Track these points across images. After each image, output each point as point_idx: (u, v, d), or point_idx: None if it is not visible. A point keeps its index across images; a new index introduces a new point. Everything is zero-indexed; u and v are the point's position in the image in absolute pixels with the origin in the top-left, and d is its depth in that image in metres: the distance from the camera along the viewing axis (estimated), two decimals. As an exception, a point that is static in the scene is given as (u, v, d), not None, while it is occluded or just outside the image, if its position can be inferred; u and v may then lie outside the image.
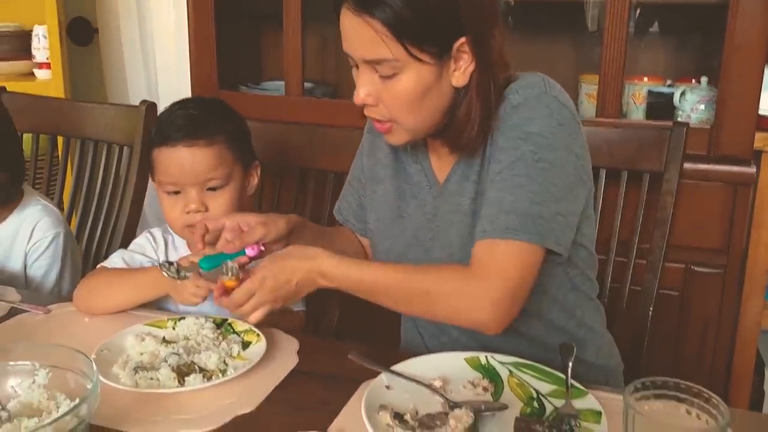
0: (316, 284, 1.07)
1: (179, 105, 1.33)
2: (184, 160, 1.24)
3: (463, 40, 1.03)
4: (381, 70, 1.04)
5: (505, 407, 0.96)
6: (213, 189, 1.26)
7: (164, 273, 1.09)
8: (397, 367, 1.04)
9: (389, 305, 1.07)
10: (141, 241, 1.39)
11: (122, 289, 1.25)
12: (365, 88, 1.06)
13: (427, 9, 1.00)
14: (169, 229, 1.37)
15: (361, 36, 1.02)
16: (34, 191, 1.59)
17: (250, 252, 1.11)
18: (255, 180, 1.36)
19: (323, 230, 1.33)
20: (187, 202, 1.25)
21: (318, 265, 1.05)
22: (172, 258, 1.34)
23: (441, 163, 1.18)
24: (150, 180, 1.38)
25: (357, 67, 1.08)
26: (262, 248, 1.13)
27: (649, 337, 1.43)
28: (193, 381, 1.01)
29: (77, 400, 0.83)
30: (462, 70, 1.05)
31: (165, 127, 1.28)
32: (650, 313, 1.45)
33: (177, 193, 1.26)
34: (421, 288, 1.04)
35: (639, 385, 0.84)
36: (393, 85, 1.04)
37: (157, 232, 1.39)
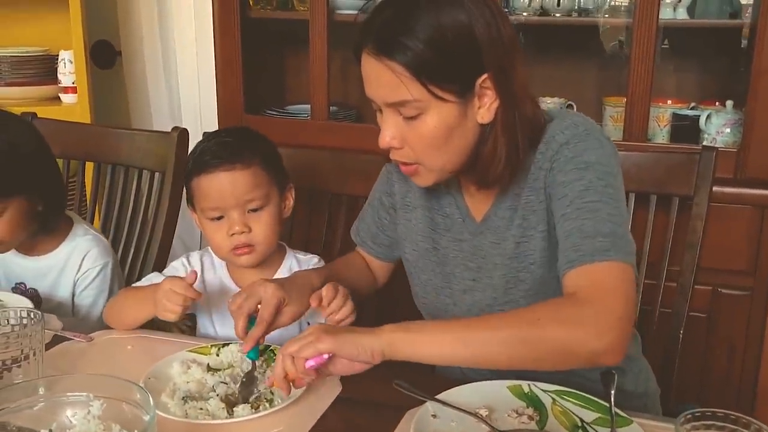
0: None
1: (213, 135, 1.37)
2: (224, 185, 1.28)
3: (485, 76, 1.03)
4: (404, 111, 1.04)
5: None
6: (254, 210, 1.30)
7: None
8: (442, 396, 1.05)
9: (488, 361, 0.97)
10: (176, 265, 1.41)
11: (132, 306, 1.30)
12: (390, 131, 1.06)
13: (447, 48, 1.00)
14: (209, 251, 1.40)
15: (382, 80, 1.03)
16: (82, 221, 1.60)
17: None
18: (290, 202, 1.40)
19: (336, 275, 1.30)
20: (231, 225, 1.29)
21: (388, 339, 0.98)
22: (209, 277, 1.38)
23: (475, 199, 1.18)
24: (186, 212, 1.41)
25: (380, 111, 1.08)
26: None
27: (678, 358, 1.44)
28: (242, 412, 1.02)
29: (136, 432, 0.85)
30: (487, 106, 1.05)
31: (202, 156, 1.32)
32: (681, 335, 1.46)
33: (220, 218, 1.30)
34: (531, 318, 0.95)
35: (689, 415, 0.85)
36: (418, 126, 1.04)
37: (194, 255, 1.41)
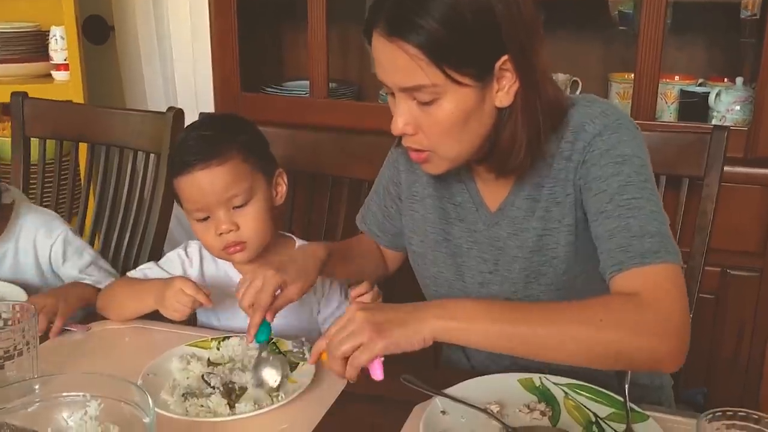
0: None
1: (192, 128, 1.32)
2: (202, 184, 1.22)
3: (505, 58, 0.97)
4: (419, 96, 0.98)
5: (564, 433, 0.94)
6: (239, 206, 1.24)
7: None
8: (451, 391, 1.02)
9: (545, 352, 0.91)
10: (172, 256, 1.37)
11: (130, 298, 1.27)
12: (403, 117, 1.00)
13: (465, 28, 0.94)
14: None
15: (395, 63, 0.97)
16: (24, 197, 1.54)
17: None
18: (282, 188, 1.33)
19: (345, 252, 1.28)
20: (218, 224, 1.23)
21: (451, 314, 0.92)
22: (210, 269, 1.34)
23: (489, 187, 1.13)
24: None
25: (392, 95, 1.02)
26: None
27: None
28: (244, 408, 0.99)
29: (135, 436, 0.82)
30: (506, 90, 0.99)
31: (179, 154, 1.26)
32: (690, 318, 1.43)
33: (207, 218, 1.24)
34: (590, 317, 0.89)
35: (711, 415, 0.82)
36: (433, 112, 0.99)
37: (193, 246, 1.37)
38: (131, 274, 1.35)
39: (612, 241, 0.98)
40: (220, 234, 1.23)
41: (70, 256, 1.47)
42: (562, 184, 1.06)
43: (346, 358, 0.91)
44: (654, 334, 0.89)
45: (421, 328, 0.90)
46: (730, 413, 0.83)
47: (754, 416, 0.83)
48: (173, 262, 1.35)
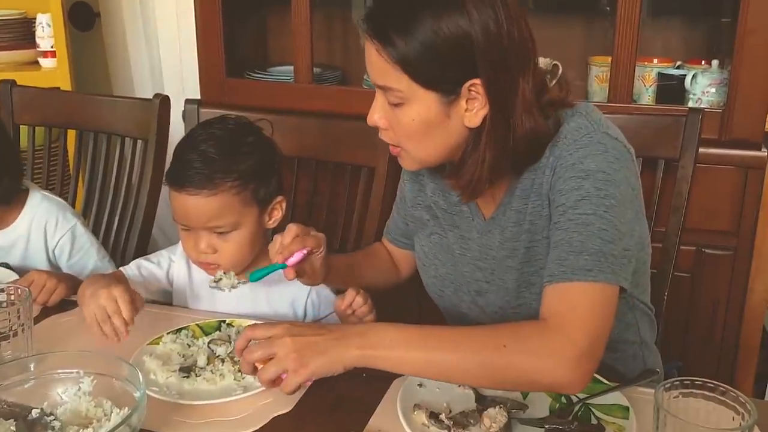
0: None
1: (201, 138, 1.25)
2: (188, 207, 1.22)
3: (476, 81, 0.99)
4: (389, 97, 1.03)
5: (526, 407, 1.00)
6: (221, 234, 1.24)
7: (211, 284, 1.17)
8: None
9: (458, 377, 0.98)
10: (161, 258, 1.39)
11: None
12: (378, 112, 1.06)
13: (439, 54, 0.97)
14: None
15: (372, 61, 1.02)
16: (37, 188, 1.58)
17: (295, 258, 1.14)
18: (278, 214, 1.31)
19: (348, 262, 1.33)
20: (197, 241, 1.24)
21: (371, 341, 0.97)
22: (197, 276, 1.36)
23: (485, 197, 1.15)
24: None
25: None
26: (305, 252, 1.15)
27: (662, 318, 1.46)
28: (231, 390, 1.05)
29: (127, 410, 0.86)
30: (474, 111, 1.01)
31: (175, 165, 1.24)
32: (665, 297, 1.49)
33: (189, 229, 1.26)
34: (496, 344, 0.93)
35: (668, 384, 0.87)
36: (399, 114, 1.04)
37: (179, 249, 1.38)
38: (124, 269, 1.36)
39: (553, 253, 1.00)
40: (198, 251, 1.25)
41: (74, 254, 1.52)
42: (542, 199, 1.08)
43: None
44: (556, 359, 0.91)
45: (342, 357, 0.95)
46: (687, 382, 0.88)
47: (710, 384, 0.88)
48: (161, 263, 1.38)
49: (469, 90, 1.00)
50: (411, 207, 1.29)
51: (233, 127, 1.27)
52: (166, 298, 1.39)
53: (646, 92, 2.03)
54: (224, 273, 1.22)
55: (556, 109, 1.08)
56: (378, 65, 1.01)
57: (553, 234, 1.02)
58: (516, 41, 1.00)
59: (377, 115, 1.07)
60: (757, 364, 2.12)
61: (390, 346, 0.95)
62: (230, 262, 1.25)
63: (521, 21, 1.01)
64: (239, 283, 1.21)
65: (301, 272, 1.16)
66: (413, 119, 1.02)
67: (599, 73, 2.07)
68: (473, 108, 1.01)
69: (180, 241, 1.33)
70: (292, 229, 1.15)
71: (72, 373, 0.95)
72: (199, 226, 1.23)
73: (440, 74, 1.00)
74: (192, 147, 1.24)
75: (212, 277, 1.22)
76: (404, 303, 1.07)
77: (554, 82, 1.10)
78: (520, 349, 0.92)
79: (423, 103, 1.01)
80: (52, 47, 2.43)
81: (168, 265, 1.38)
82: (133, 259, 1.40)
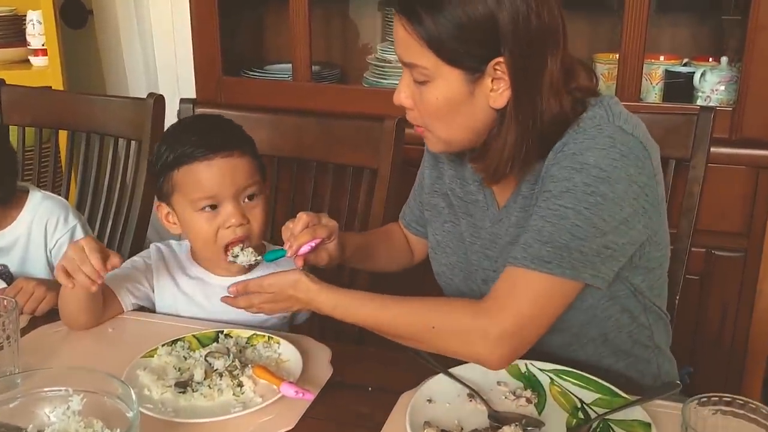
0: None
1: (190, 123, 1.29)
2: (223, 171, 1.19)
3: (500, 59, 0.98)
4: (414, 74, 1.03)
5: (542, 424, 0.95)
6: (250, 199, 1.23)
7: (230, 259, 1.20)
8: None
9: (396, 340, 1.05)
10: (150, 252, 1.34)
11: (67, 297, 1.19)
12: (404, 90, 1.06)
13: (465, 33, 0.97)
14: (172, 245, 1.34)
15: (399, 37, 1.02)
16: (37, 188, 1.54)
17: (304, 249, 1.15)
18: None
19: (364, 242, 1.32)
20: (227, 217, 1.20)
21: (316, 306, 1.07)
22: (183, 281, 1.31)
23: (500, 185, 1.13)
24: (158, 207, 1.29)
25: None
26: (315, 243, 1.15)
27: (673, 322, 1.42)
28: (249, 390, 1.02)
29: (119, 431, 0.81)
30: (500, 92, 1.00)
31: (189, 145, 1.20)
32: (677, 301, 1.44)
33: (213, 208, 1.21)
34: (427, 324, 1.00)
35: (696, 400, 0.82)
36: (424, 93, 1.03)
37: (162, 247, 1.35)
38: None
39: (523, 236, 1.01)
40: (229, 227, 1.21)
41: None
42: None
43: None
44: (480, 342, 0.97)
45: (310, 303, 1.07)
46: (716, 398, 0.83)
47: (739, 401, 0.83)
48: (151, 251, 1.33)
49: (495, 69, 0.99)
50: (428, 194, 1.27)
51: (212, 117, 1.33)
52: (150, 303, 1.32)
53: (652, 90, 1.98)
54: (241, 249, 1.21)
55: (584, 96, 1.06)
56: (405, 41, 1.01)
57: (532, 217, 1.02)
58: (545, 22, 0.99)
59: (403, 94, 1.06)
60: (766, 368, 2.08)
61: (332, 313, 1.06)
62: (261, 228, 1.25)
63: (552, 2, 1.00)
64: (256, 260, 1.21)
65: (314, 260, 1.19)
66: (437, 97, 1.02)
67: (604, 70, 2.03)
68: (499, 88, 1.00)
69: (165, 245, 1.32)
70: (303, 218, 1.16)
71: (61, 391, 0.89)
72: (233, 191, 1.20)
73: (465, 52, 0.99)
74: (195, 123, 1.27)
75: (231, 252, 1.21)
76: (409, 292, 1.04)
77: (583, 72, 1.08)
78: (450, 330, 0.99)
79: (447, 80, 1.00)
80: (43, 45, 2.37)
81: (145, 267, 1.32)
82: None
